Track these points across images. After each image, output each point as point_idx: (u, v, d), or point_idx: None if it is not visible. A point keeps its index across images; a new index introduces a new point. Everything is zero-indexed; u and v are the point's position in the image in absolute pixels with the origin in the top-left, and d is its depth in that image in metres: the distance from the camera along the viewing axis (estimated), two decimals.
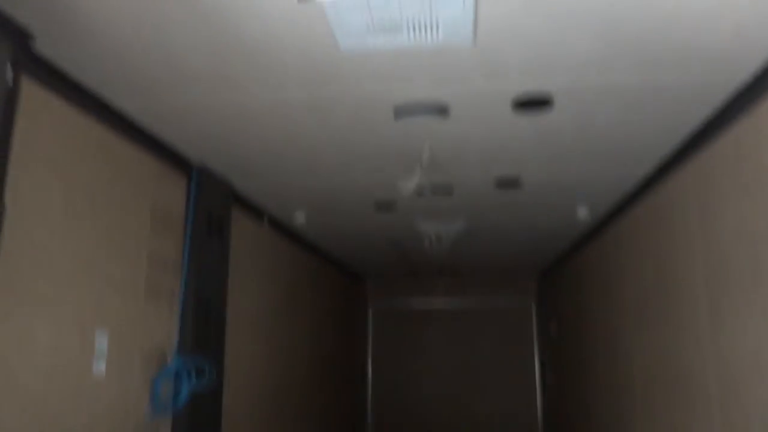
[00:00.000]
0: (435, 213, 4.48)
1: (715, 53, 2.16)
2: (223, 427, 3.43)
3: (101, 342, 2.45)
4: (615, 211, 4.25)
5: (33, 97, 2.10)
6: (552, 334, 7.20)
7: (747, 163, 2.45)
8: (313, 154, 3.16)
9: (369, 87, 2.40)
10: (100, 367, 2.44)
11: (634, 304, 4.02)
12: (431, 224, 4.77)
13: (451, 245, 5.24)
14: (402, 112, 2.61)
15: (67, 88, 2.25)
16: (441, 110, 2.60)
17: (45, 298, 2.15)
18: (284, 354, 4.87)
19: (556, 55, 2.17)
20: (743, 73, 2.29)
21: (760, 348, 2.39)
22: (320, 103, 2.55)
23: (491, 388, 8.09)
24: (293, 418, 5.06)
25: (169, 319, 3.01)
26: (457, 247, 5.62)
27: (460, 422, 8.03)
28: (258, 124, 2.74)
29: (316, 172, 3.46)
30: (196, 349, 3.08)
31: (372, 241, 5.66)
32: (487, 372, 8.13)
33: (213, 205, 3.37)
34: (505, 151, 3.14)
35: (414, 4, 1.82)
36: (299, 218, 4.42)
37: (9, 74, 1.87)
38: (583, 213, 4.33)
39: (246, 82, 2.34)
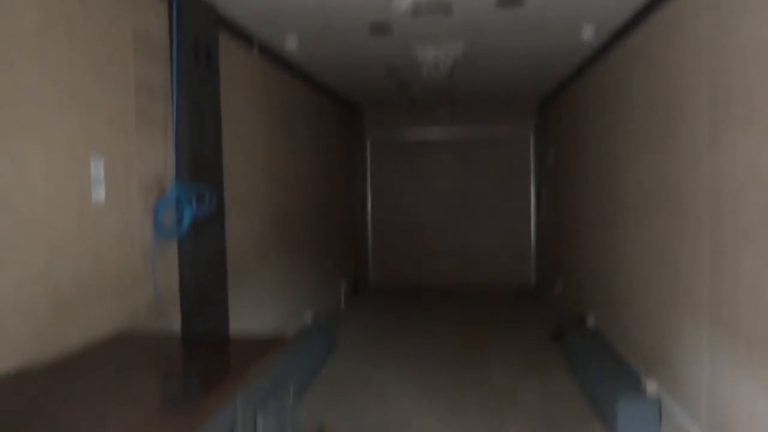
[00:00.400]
0: (433, 36, 4.28)
1: None
2: (228, 254, 3.56)
3: (97, 169, 2.44)
4: (621, 31, 4.05)
5: None
6: (549, 162, 7.25)
7: None
8: None
9: None
10: (99, 194, 2.46)
11: (635, 126, 3.99)
12: (429, 49, 4.57)
13: (449, 72, 5.07)
14: None
15: None
16: None
17: (32, 123, 2.11)
18: (284, 184, 4.94)
19: None
20: None
21: (757, 161, 2.39)
22: None
23: (487, 215, 8.33)
24: (296, 245, 5.26)
25: (165, 147, 2.99)
26: (456, 75, 5.46)
27: (456, 247, 8.39)
28: None
29: None
30: (195, 178, 3.09)
31: (368, 69, 5.48)
32: (484, 200, 8.33)
33: (198, 30, 3.19)
34: None
35: None
36: (290, 43, 4.22)
37: None
38: (588, 33, 4.13)
39: None
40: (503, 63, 5.29)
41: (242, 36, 3.94)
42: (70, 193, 2.30)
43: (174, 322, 3.02)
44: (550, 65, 5.40)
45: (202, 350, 2.32)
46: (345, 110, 7.33)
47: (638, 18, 3.71)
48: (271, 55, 4.50)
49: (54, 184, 2.22)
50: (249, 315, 3.98)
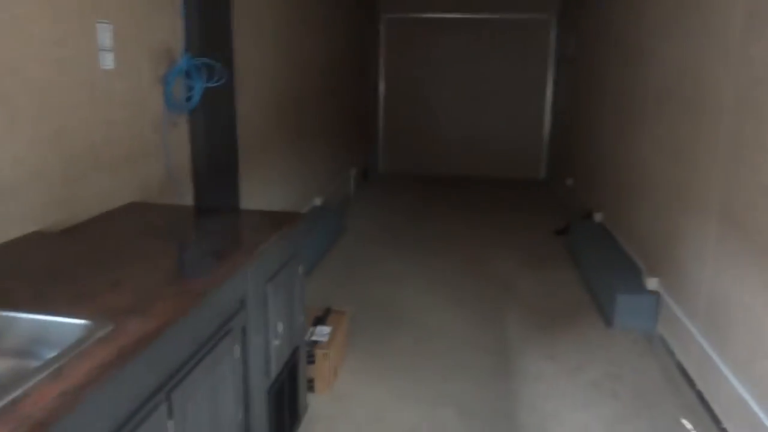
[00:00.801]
0: None
1: None
2: (238, 128, 3.52)
3: (104, 35, 2.35)
4: None
5: None
6: (570, 51, 6.98)
7: None
8: None
9: None
10: (107, 60, 2.38)
11: (662, 13, 3.78)
12: None
13: None
14: None
15: None
16: None
17: None
18: (296, 62, 4.79)
19: None
20: None
21: None
22: None
23: (501, 105, 8.15)
24: (306, 129, 5.19)
25: (173, 17, 2.86)
26: None
27: (468, 137, 8.28)
28: None
29: None
30: (205, 51, 2.99)
31: None
32: (499, 89, 8.11)
33: None
34: None
35: None
36: None
37: None
38: None
39: None
40: None
41: None
42: (78, 58, 2.23)
43: (186, 198, 3.03)
44: None
45: (215, 222, 2.35)
46: None
47: None
48: None
49: (62, 48, 2.14)
50: (259, 197, 4.00)
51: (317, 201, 5.45)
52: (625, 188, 4.51)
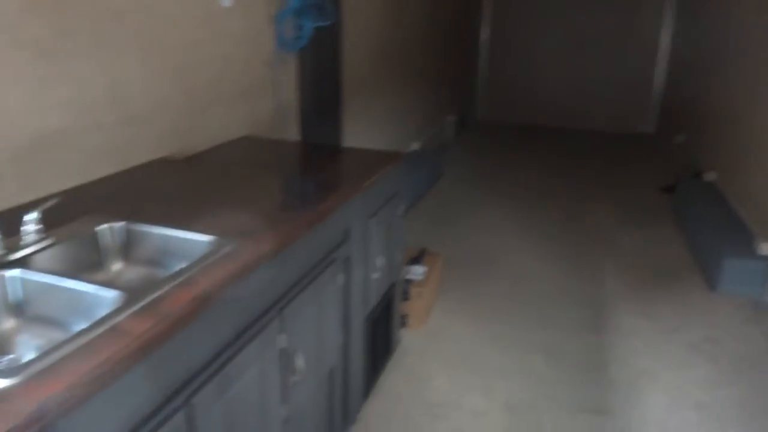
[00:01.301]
0: None
1: None
2: (343, 68, 3.58)
3: None
4: None
5: None
6: None
7: None
8: None
9: None
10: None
11: None
12: None
13: None
14: None
15: None
16: None
17: None
18: (401, 4, 4.76)
19: None
20: None
21: None
22: None
23: (609, 53, 7.70)
24: (407, 73, 5.18)
25: None
26: None
27: (573, 88, 7.94)
28: None
29: None
30: None
31: None
32: (607, 35, 7.65)
33: None
34: None
35: None
36: None
37: None
38: None
39: None
40: None
41: None
42: None
43: (291, 133, 3.15)
44: None
45: (322, 157, 2.44)
46: None
47: None
48: None
49: None
50: (359, 136, 4.08)
51: (415, 145, 5.47)
52: (743, 147, 4.22)
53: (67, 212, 1.58)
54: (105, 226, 1.55)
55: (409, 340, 2.95)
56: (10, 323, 1.30)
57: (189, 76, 2.32)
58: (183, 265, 1.37)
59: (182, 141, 2.32)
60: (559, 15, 7.72)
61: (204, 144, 2.44)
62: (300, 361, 1.65)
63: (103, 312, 1.15)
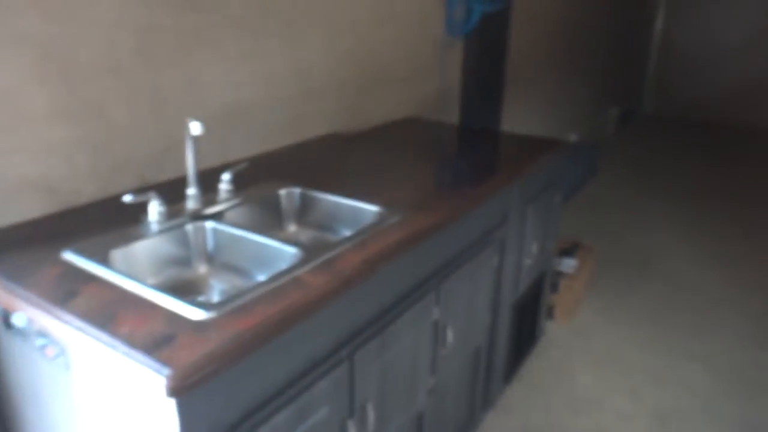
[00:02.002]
0: None
1: None
2: (507, 54, 3.55)
3: None
4: None
5: None
6: None
7: None
8: None
9: None
10: None
11: None
12: None
13: None
14: None
15: None
16: None
17: None
18: None
19: None
20: None
21: None
22: None
23: None
24: (570, 60, 5.01)
25: None
26: None
27: (755, 80, 7.18)
28: None
29: None
30: None
31: None
32: None
33: None
34: None
35: None
36: None
37: None
38: None
39: None
40: None
41: None
42: None
43: (452, 116, 3.20)
44: None
45: (483, 140, 2.46)
46: None
47: None
48: None
49: None
50: (518, 123, 4.03)
51: (573, 137, 5.29)
52: None
53: (252, 176, 1.75)
54: (285, 190, 1.70)
55: (554, 332, 2.90)
56: (203, 269, 1.48)
57: (362, 57, 2.44)
58: (350, 231, 1.47)
59: (351, 118, 2.45)
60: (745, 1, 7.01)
61: (371, 122, 2.56)
62: (450, 335, 1.70)
63: (282, 265, 1.27)
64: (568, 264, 2.98)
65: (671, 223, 4.23)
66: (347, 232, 1.61)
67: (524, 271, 2.26)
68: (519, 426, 2.31)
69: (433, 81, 2.97)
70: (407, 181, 1.80)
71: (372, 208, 1.56)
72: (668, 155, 6.02)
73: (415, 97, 2.85)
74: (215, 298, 1.40)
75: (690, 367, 2.67)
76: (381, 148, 2.24)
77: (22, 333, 1.19)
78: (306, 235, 1.70)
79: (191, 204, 1.50)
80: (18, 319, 1.18)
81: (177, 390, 0.90)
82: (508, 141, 2.49)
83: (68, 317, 1.04)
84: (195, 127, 1.37)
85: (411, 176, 1.86)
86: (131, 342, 0.96)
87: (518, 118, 4.01)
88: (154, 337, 0.98)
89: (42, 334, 1.13)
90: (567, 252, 3.11)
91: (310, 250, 1.30)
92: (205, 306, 1.07)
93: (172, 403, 0.92)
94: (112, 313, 1.05)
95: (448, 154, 2.29)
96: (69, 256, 1.26)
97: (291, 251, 1.31)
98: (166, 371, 0.90)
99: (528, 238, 2.21)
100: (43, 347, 1.14)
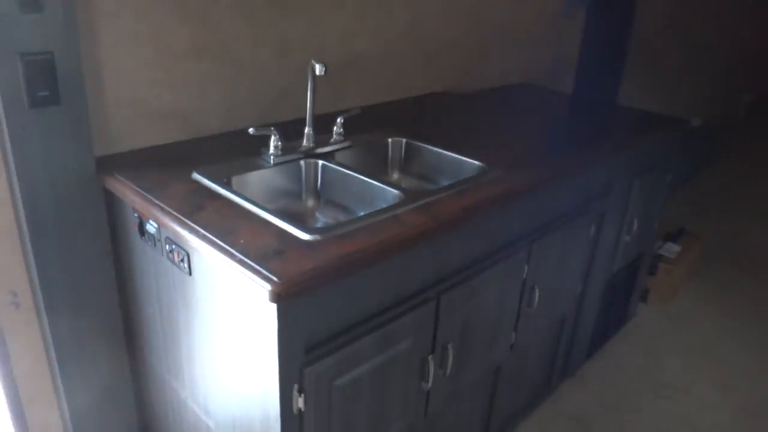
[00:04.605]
0: None
1: None
2: (633, 28, 3.41)
3: None
4: None
5: None
6: None
7: None
8: None
9: None
10: None
11: None
12: None
13: None
14: None
15: None
16: None
17: None
18: None
19: None
20: None
21: None
22: None
23: None
24: (704, 27, 4.70)
25: None
26: None
27: None
28: None
29: None
30: None
31: None
32: None
33: None
34: None
35: None
36: None
37: None
38: None
39: None
40: None
41: None
42: None
43: (566, 87, 3.14)
44: None
45: (595, 111, 2.42)
46: None
47: None
48: None
49: None
50: (637, 100, 3.87)
51: (696, 120, 4.99)
52: None
53: (364, 124, 1.84)
54: (392, 139, 1.78)
55: (645, 315, 2.84)
56: (311, 202, 1.60)
57: (479, 19, 2.45)
58: (446, 182, 1.53)
59: (464, 79, 2.48)
60: None
61: (484, 84, 2.58)
62: (537, 296, 1.74)
63: (384, 205, 1.36)
64: (671, 248, 2.89)
65: None
66: (446, 183, 1.67)
67: (622, 247, 2.23)
68: (595, 400, 2.32)
69: (550, 49, 2.93)
70: (512, 143, 1.83)
71: (474, 163, 1.61)
72: None
73: (529, 63, 2.83)
74: None
75: None
76: (491, 109, 2.26)
77: (152, 239, 1.35)
78: (408, 182, 1.78)
79: (306, 142, 1.62)
80: (151, 227, 1.34)
81: (279, 297, 1.01)
82: (622, 114, 2.43)
83: (194, 226, 1.18)
84: (318, 68, 1.47)
85: (517, 139, 1.89)
86: (246, 252, 1.08)
87: (639, 95, 3.84)
88: (266, 250, 1.10)
89: (170, 240, 1.29)
90: (672, 237, 3.01)
91: (411, 194, 1.38)
92: (313, 230, 1.18)
93: (273, 308, 1.04)
94: (231, 226, 1.18)
95: (556, 122, 2.28)
96: (197, 177, 1.41)
97: (393, 192, 1.40)
98: (273, 279, 1.01)
99: (629, 215, 2.17)
100: (170, 252, 1.30)
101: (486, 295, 1.53)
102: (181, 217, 1.22)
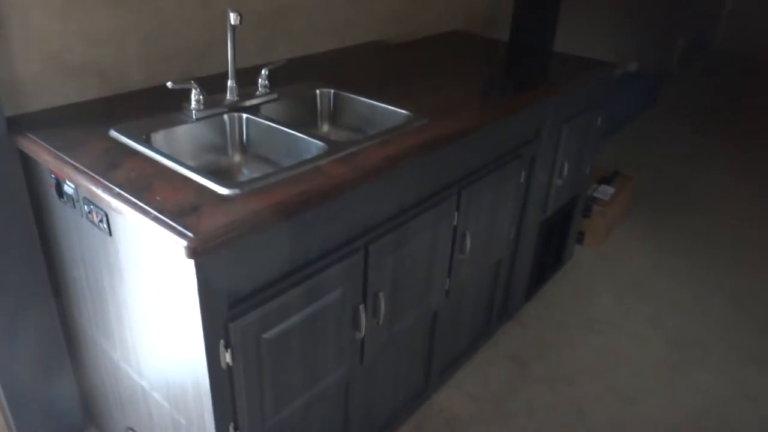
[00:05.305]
0: None
1: None
2: None
3: None
4: None
5: None
6: None
7: None
8: None
9: None
10: None
11: None
12: None
13: None
14: None
15: None
16: None
17: None
18: None
19: None
20: None
21: None
22: None
23: None
24: None
25: None
26: None
27: None
28: None
29: None
30: None
31: None
32: None
33: None
34: None
35: None
36: None
37: None
38: None
39: None
40: None
41: None
42: None
43: (502, 34, 3.14)
44: None
45: (528, 57, 2.43)
46: None
47: None
48: None
49: None
50: (572, 46, 3.90)
51: (632, 66, 5.09)
52: None
53: (292, 76, 1.81)
54: (320, 90, 1.75)
55: (581, 257, 2.94)
56: (237, 157, 1.58)
57: None
58: (377, 132, 1.53)
59: (397, 27, 2.45)
60: None
61: (417, 33, 2.55)
62: (469, 242, 1.77)
63: (309, 157, 1.34)
64: (605, 191, 2.97)
65: (725, 163, 4.11)
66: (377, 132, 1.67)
67: (554, 191, 2.28)
68: (533, 339, 2.41)
69: None
70: (443, 91, 1.83)
71: (402, 112, 1.60)
72: (734, 94, 5.75)
73: (464, 11, 2.81)
74: None
75: (716, 300, 2.69)
76: (424, 58, 2.25)
77: (71, 200, 1.31)
78: (338, 135, 1.76)
79: (230, 96, 1.58)
80: (68, 188, 1.30)
81: (196, 252, 1.00)
82: (555, 59, 2.45)
83: (109, 185, 1.15)
84: (233, 17, 1.43)
85: (448, 86, 1.89)
86: (161, 209, 1.06)
87: (574, 42, 3.88)
88: (182, 206, 1.08)
89: (88, 201, 1.25)
90: (606, 180, 3.09)
91: (335, 145, 1.37)
92: (232, 184, 1.16)
93: (191, 264, 1.03)
94: (147, 184, 1.15)
95: (490, 69, 2.29)
96: (115, 135, 1.36)
97: (318, 144, 1.38)
98: (188, 235, 1.00)
99: (560, 158, 2.22)
100: (88, 213, 1.27)
101: (417, 244, 1.55)
102: (96, 176, 1.18)
